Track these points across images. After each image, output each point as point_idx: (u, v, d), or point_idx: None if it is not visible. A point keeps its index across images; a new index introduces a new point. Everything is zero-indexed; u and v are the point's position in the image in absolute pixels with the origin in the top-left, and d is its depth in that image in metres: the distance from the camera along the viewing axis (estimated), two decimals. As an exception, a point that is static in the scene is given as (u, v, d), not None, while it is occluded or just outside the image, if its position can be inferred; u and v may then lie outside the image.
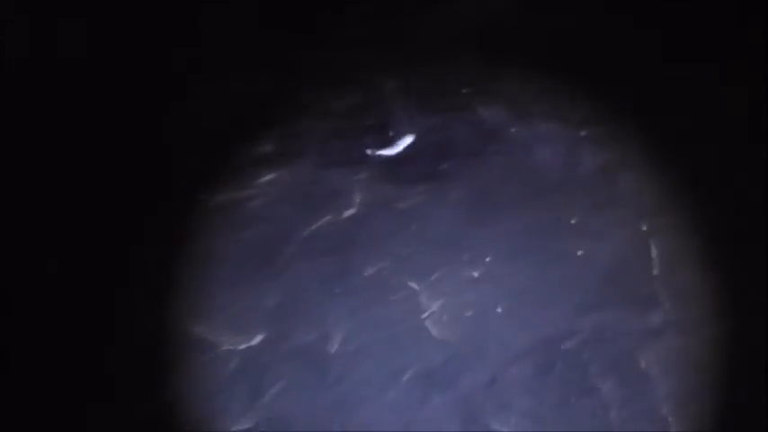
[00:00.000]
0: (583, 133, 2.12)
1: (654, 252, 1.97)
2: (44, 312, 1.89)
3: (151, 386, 1.88)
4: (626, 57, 2.09)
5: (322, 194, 2.07)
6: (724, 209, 1.95)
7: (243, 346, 1.94)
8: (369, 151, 2.11)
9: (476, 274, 2.02)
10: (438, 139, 2.13)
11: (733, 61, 1.95)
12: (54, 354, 1.87)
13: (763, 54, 1.89)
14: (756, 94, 1.91)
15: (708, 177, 1.98)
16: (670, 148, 2.03)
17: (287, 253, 2.03)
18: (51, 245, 1.94)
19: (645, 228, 2.00)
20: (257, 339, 1.97)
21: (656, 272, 1.95)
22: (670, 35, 2.06)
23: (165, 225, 1.98)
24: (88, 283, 1.92)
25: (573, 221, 2.03)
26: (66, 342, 1.87)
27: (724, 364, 1.88)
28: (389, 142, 2.12)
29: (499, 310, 1.97)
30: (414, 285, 2.02)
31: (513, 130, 2.13)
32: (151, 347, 1.91)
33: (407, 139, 2.12)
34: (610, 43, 2.08)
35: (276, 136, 2.10)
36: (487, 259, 2.03)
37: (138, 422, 1.86)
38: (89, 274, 1.93)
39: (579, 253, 1.99)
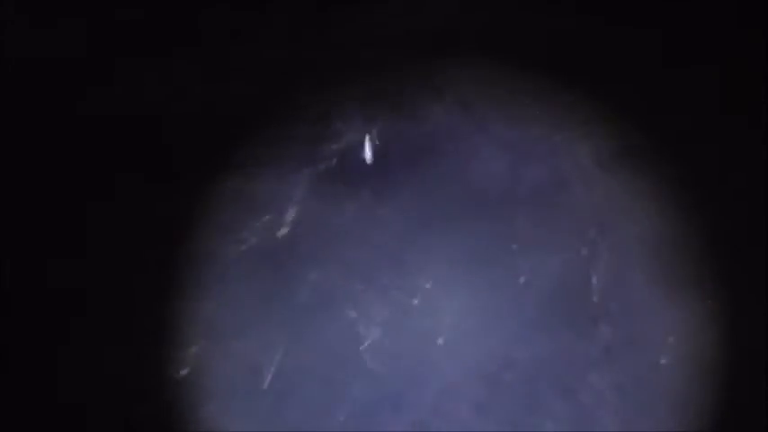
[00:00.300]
0: (531, 134, 2.01)
1: (596, 275, 1.88)
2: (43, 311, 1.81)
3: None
4: (603, 56, 1.99)
5: (249, 208, 1.93)
6: (724, 209, 1.87)
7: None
8: (300, 161, 1.97)
9: (415, 302, 1.91)
10: (380, 146, 2.00)
11: (733, 61, 1.88)
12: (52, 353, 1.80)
13: (763, 54, 1.80)
14: (756, 94, 1.82)
15: (707, 177, 1.91)
16: (669, 149, 1.94)
17: (211, 277, 1.89)
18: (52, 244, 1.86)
19: (587, 250, 1.91)
20: (184, 372, 1.83)
21: (597, 297, 1.87)
22: (664, 35, 1.97)
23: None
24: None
25: (516, 242, 1.93)
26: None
27: (723, 365, 1.81)
28: (325, 150, 1.98)
29: (440, 341, 1.86)
30: (352, 313, 1.90)
31: (460, 131, 2.02)
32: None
33: (345, 145, 1.99)
34: (584, 43, 1.98)
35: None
36: (427, 286, 1.91)
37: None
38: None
39: (521, 280, 1.90)
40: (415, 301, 1.90)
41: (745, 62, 1.85)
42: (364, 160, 1.96)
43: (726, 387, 1.77)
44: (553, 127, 1.97)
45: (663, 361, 1.84)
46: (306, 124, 1.99)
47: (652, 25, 1.94)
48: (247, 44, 2.01)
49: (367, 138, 1.96)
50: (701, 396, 1.78)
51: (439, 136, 1.99)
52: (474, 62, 2.01)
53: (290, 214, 1.95)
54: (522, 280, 1.90)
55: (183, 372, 1.84)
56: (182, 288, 1.88)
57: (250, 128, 1.97)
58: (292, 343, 1.85)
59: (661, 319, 1.85)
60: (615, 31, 1.98)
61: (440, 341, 1.85)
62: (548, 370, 1.82)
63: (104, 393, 1.80)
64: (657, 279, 1.86)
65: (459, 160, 1.98)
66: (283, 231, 1.94)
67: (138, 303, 1.86)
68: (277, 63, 2.01)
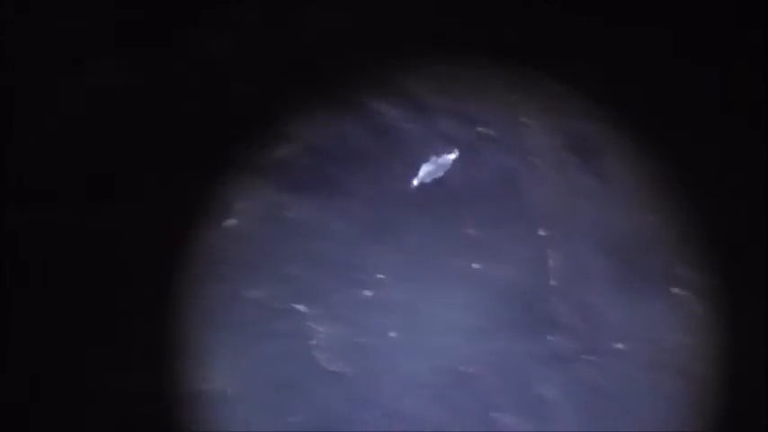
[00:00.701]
0: (480, 130, 1.93)
1: (553, 267, 1.80)
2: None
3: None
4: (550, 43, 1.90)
5: (198, 204, 1.85)
6: (723, 209, 1.81)
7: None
8: (251, 155, 1.89)
9: (368, 294, 1.83)
10: (330, 139, 1.91)
11: (733, 61, 1.83)
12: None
13: (763, 54, 1.76)
14: (756, 94, 1.78)
15: (706, 177, 1.84)
16: (668, 148, 1.87)
17: (163, 279, 1.82)
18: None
19: (545, 240, 1.83)
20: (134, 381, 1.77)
21: (556, 287, 1.79)
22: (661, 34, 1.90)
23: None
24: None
25: (471, 233, 1.85)
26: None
27: (723, 365, 1.76)
28: (275, 145, 1.90)
29: (392, 334, 1.78)
30: (301, 308, 1.82)
31: (408, 126, 1.93)
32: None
33: (295, 141, 1.91)
34: (539, 37, 1.90)
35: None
36: (380, 276, 1.84)
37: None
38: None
39: (475, 266, 1.81)
40: (368, 293, 1.83)
41: (746, 62, 1.81)
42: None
43: (726, 387, 1.74)
44: (506, 122, 1.89)
45: (619, 346, 1.76)
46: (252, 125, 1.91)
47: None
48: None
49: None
50: (665, 387, 1.73)
51: (391, 132, 1.91)
52: (427, 59, 1.93)
53: (238, 208, 1.87)
54: (476, 268, 1.82)
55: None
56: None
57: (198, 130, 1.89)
58: (242, 343, 1.78)
59: (619, 312, 1.77)
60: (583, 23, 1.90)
61: (392, 334, 1.78)
62: (504, 363, 1.74)
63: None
64: (616, 273, 1.79)
65: (412, 155, 1.90)
66: (230, 223, 1.87)
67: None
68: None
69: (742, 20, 1.81)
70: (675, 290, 1.77)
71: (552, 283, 1.79)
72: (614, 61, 1.90)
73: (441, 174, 1.88)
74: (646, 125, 1.85)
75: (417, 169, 1.90)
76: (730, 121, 1.83)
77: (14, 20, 1.80)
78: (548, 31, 1.90)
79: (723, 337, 1.76)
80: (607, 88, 1.89)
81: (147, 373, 1.77)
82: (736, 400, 1.73)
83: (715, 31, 1.85)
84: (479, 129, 1.93)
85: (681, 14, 1.86)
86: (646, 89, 1.88)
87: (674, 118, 1.87)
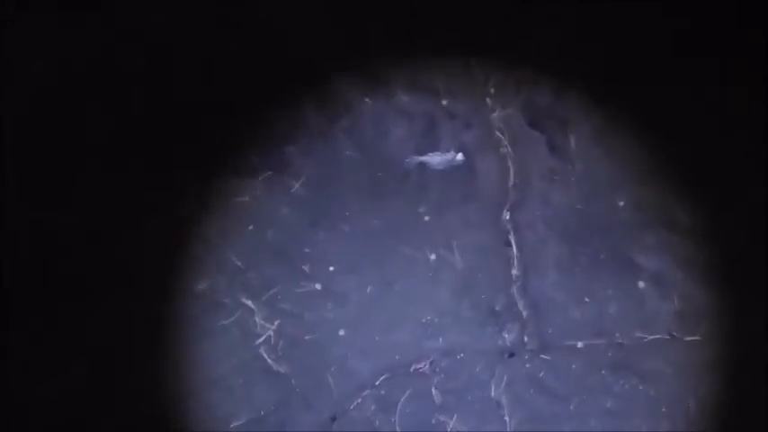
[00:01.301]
0: (444, 103, 1.76)
1: (514, 256, 1.64)
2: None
3: None
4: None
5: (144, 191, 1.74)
6: (724, 209, 1.64)
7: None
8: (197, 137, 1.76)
9: (318, 287, 1.70)
10: (281, 116, 1.77)
11: (733, 61, 1.66)
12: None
13: (763, 54, 1.61)
14: (756, 94, 1.62)
15: (706, 178, 1.67)
16: (669, 148, 1.70)
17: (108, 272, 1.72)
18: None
19: (506, 226, 1.66)
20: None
21: (516, 280, 1.63)
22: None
23: None
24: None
25: (427, 219, 1.69)
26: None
27: (723, 365, 1.63)
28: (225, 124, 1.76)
29: (342, 332, 1.66)
30: (249, 303, 1.71)
31: (367, 100, 1.77)
32: None
33: (245, 119, 1.76)
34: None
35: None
36: (331, 268, 1.70)
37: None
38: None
39: (431, 256, 1.67)
40: (318, 287, 1.70)
41: (745, 62, 1.64)
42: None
43: (726, 387, 1.61)
44: (468, 101, 1.71)
45: (579, 345, 1.61)
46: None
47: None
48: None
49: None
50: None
51: (348, 112, 1.75)
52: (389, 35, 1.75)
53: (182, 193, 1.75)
54: (432, 259, 1.67)
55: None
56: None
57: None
58: (187, 341, 1.68)
59: (582, 307, 1.61)
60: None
61: (341, 332, 1.66)
62: (456, 362, 1.60)
63: None
64: (581, 265, 1.62)
65: (367, 136, 1.74)
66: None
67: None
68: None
69: (742, 20, 1.66)
70: (642, 284, 1.60)
71: (513, 274, 1.64)
72: (589, 39, 1.71)
73: (400, 154, 1.72)
74: (619, 103, 1.66)
75: (376, 149, 1.75)
76: (730, 121, 1.65)
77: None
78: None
79: (723, 337, 1.61)
80: (579, 66, 1.70)
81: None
82: (736, 400, 1.59)
83: (715, 31, 1.67)
84: (443, 102, 1.76)
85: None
86: (621, 65, 1.68)
87: (657, 99, 1.69)
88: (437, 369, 1.61)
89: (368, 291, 1.67)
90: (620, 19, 1.67)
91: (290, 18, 1.76)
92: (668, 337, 1.58)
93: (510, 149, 1.68)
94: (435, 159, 1.72)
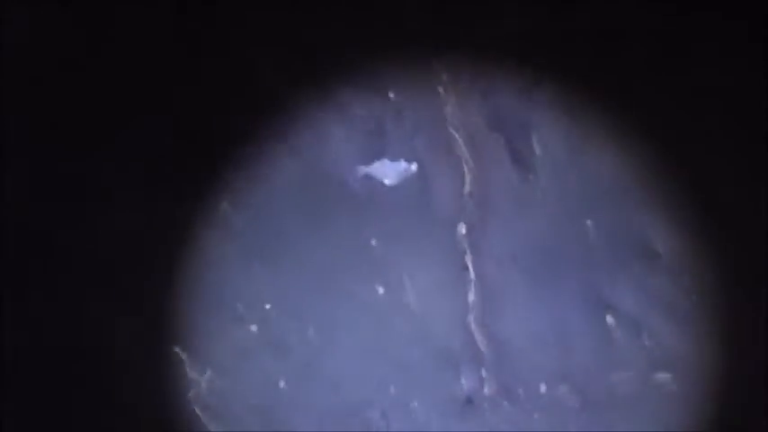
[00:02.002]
0: (391, 96, 1.54)
1: (472, 287, 1.46)
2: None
3: None
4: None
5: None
6: (724, 210, 1.48)
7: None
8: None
9: (253, 329, 1.52)
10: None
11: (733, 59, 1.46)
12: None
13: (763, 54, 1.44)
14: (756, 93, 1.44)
15: (692, 200, 1.50)
16: (670, 149, 1.50)
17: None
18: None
19: (462, 253, 1.48)
20: None
21: (473, 316, 1.46)
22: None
23: None
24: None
25: (374, 245, 1.51)
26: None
27: (723, 365, 1.50)
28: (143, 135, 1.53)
29: (282, 384, 1.49)
30: (179, 351, 1.53)
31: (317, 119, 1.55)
32: None
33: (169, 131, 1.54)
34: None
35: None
36: (267, 307, 1.52)
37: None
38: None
39: (380, 290, 1.49)
40: (254, 329, 1.52)
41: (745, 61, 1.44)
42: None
43: (726, 388, 1.47)
44: (423, 111, 1.49)
45: (543, 389, 1.46)
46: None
47: None
48: None
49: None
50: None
51: (292, 122, 1.53)
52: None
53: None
54: (381, 294, 1.49)
55: None
56: None
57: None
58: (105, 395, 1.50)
59: (544, 347, 1.45)
60: None
61: (281, 384, 1.48)
62: (409, 414, 1.45)
63: None
64: (544, 299, 1.46)
65: (313, 150, 1.53)
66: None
67: None
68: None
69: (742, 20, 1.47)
70: (611, 320, 1.44)
71: (470, 307, 1.47)
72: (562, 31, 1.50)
73: (347, 171, 1.51)
74: (595, 106, 1.46)
75: (322, 164, 1.54)
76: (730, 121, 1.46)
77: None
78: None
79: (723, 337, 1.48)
80: (549, 61, 1.49)
81: None
82: (736, 401, 1.48)
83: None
84: (390, 95, 1.55)
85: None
86: (599, 63, 1.47)
87: (640, 105, 1.49)
88: (389, 420, 1.46)
89: (309, 333, 1.49)
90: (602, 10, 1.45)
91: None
92: (640, 383, 1.44)
93: (467, 156, 1.48)
94: (384, 171, 1.52)
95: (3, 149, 1.47)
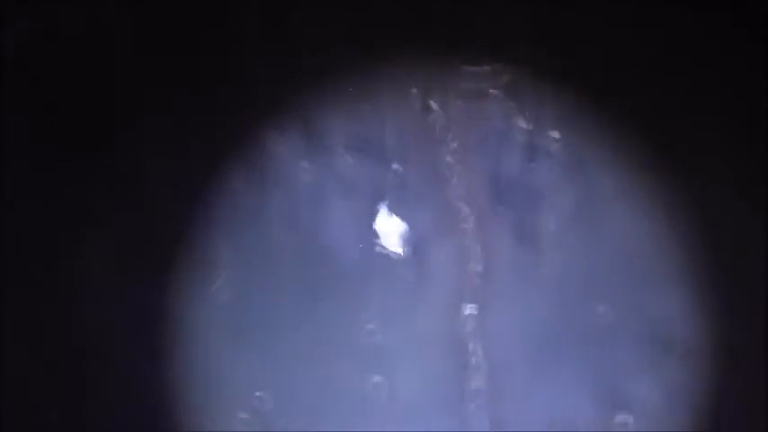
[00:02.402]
0: (395, 167, 1.47)
1: (472, 374, 1.36)
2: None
3: None
4: None
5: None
6: (725, 211, 1.39)
7: None
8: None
9: (244, 417, 1.43)
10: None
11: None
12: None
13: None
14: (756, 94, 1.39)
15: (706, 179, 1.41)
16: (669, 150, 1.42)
17: None
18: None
19: (465, 337, 1.39)
20: None
21: (475, 408, 1.35)
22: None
23: None
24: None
25: (372, 328, 1.42)
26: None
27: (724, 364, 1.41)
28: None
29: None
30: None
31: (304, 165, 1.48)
32: None
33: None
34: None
35: None
36: (258, 394, 1.42)
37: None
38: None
39: (377, 379, 1.39)
40: (244, 416, 1.43)
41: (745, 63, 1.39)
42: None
43: (726, 387, 1.37)
44: (428, 182, 1.42)
45: None
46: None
47: None
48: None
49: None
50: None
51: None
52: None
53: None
54: (377, 382, 1.39)
55: None
56: None
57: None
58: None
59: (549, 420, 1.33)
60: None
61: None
62: None
63: None
64: (548, 372, 1.35)
65: (311, 222, 1.46)
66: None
67: None
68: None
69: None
70: (621, 418, 1.33)
71: (472, 398, 1.37)
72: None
73: (334, 237, 1.44)
74: (605, 175, 1.37)
75: (307, 225, 1.47)
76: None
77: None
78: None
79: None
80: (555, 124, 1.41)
81: None
82: (736, 400, 1.35)
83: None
84: (394, 166, 1.48)
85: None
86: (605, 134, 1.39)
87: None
88: None
89: (299, 425, 1.40)
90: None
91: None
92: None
93: (473, 229, 1.39)
94: (384, 246, 1.44)
95: (3, 149, 1.42)
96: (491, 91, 1.41)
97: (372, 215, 1.40)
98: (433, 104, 1.41)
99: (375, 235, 1.38)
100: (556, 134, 1.36)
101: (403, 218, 1.38)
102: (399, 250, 1.36)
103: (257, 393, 1.36)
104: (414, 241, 1.37)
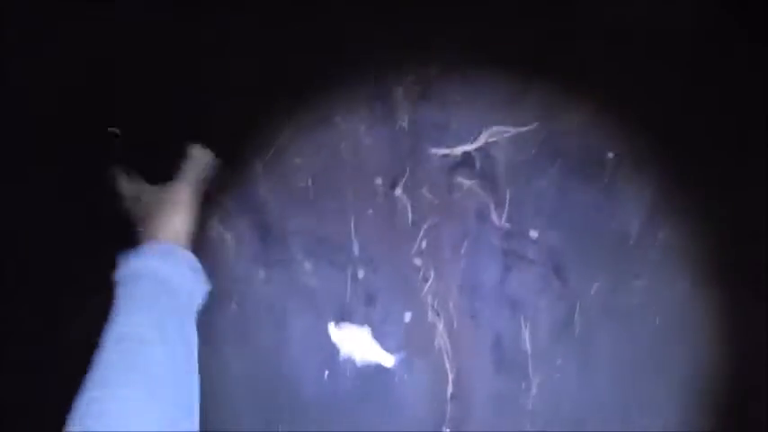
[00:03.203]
0: (360, 275, 1.29)
1: None
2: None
3: None
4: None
5: None
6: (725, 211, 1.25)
7: None
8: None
9: None
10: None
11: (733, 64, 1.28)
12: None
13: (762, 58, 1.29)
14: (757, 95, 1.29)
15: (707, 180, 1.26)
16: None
17: None
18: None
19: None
20: None
21: None
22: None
23: None
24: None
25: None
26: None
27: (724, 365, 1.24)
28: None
29: None
30: None
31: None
32: None
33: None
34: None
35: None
36: None
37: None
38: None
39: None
40: None
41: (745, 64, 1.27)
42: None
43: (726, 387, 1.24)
44: (400, 293, 1.22)
45: None
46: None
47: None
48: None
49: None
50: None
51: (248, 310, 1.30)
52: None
53: None
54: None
55: None
56: None
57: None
58: None
59: None
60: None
61: None
62: None
63: None
64: None
65: (271, 344, 1.29)
66: None
67: None
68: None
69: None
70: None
71: None
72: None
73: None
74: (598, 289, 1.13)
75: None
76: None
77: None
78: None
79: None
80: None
81: None
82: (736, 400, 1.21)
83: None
84: (360, 274, 1.29)
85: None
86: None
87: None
88: None
89: None
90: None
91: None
92: None
93: (449, 347, 1.18)
94: (350, 369, 1.24)
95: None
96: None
97: (337, 331, 1.22)
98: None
99: (340, 357, 1.20)
100: (534, 234, 1.15)
101: (373, 334, 1.20)
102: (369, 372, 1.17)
103: None
104: (386, 360, 1.18)
